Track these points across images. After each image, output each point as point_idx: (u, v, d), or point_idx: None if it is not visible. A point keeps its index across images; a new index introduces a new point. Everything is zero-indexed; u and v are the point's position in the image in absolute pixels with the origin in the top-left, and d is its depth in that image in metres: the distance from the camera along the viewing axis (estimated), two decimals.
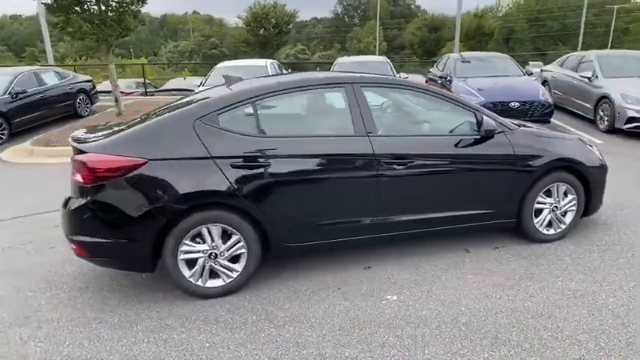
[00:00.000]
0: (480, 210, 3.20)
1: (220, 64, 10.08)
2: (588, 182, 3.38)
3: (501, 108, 7.15)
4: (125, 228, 2.65)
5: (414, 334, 2.42)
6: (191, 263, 2.76)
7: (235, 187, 2.66)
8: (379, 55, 24.51)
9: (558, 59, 10.50)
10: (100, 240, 2.66)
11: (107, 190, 2.60)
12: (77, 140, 2.79)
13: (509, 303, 2.68)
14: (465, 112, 3.20)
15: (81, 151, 2.66)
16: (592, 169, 3.41)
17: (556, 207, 3.36)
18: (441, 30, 43.23)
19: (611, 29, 37.82)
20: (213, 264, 2.78)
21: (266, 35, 25.37)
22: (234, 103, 2.84)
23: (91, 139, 2.77)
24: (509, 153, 3.17)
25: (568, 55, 10.24)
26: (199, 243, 2.73)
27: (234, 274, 2.83)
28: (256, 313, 2.67)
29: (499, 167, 3.18)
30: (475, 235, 3.46)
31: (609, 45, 34.48)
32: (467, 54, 10.25)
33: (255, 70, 8.55)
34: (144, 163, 2.57)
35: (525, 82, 8.39)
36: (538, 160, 3.21)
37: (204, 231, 2.70)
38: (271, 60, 11.32)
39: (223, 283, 2.83)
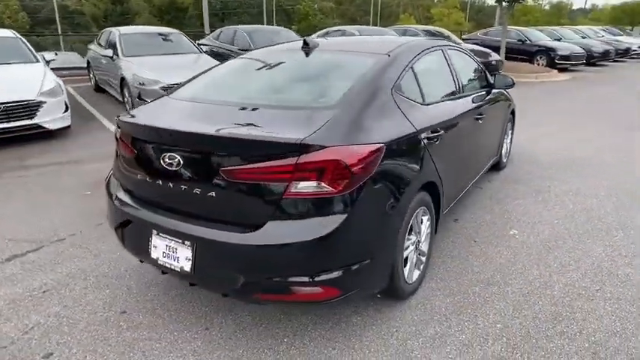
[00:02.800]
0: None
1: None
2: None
3: None
4: (379, 238, 2.06)
5: None
6: (404, 261, 2.43)
7: (434, 162, 2.52)
8: None
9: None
10: (355, 266, 1.95)
11: (364, 194, 1.92)
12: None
13: None
14: (478, 69, 3.95)
15: (303, 147, 1.79)
16: None
17: None
18: (128, 2, 40.10)
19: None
20: (417, 254, 2.56)
21: None
22: (404, 68, 2.55)
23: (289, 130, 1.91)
24: None
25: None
26: (409, 233, 2.44)
27: (423, 259, 2.69)
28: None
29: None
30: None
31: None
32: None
33: None
34: (380, 149, 2.04)
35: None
36: None
37: (415, 220, 2.44)
38: None
39: (419, 273, 2.64)
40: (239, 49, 9.63)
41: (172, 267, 2.08)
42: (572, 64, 15.06)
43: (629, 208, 3.82)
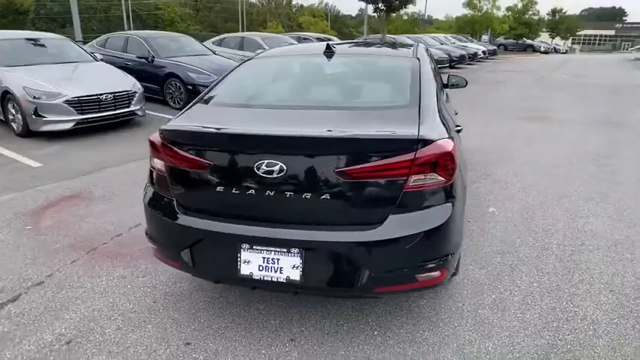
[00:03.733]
0: None
1: None
2: None
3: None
4: (463, 220, 2.33)
5: None
6: None
7: None
8: None
9: None
10: (459, 247, 2.15)
11: (458, 181, 2.11)
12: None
13: None
14: None
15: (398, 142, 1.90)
16: None
17: None
18: None
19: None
20: None
21: None
22: (432, 68, 2.85)
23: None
24: None
25: None
26: None
27: None
28: None
29: None
30: None
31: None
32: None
33: None
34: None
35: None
36: None
37: None
38: None
39: None
40: (139, 57, 8.94)
41: (273, 279, 2.00)
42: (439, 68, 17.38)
43: (558, 181, 4.73)
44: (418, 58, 2.80)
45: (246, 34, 12.81)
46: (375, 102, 2.46)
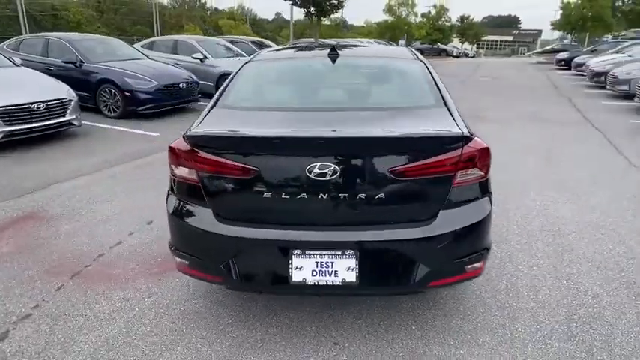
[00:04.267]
0: None
1: None
2: None
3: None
4: None
5: None
6: None
7: None
8: None
9: None
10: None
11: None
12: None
13: None
14: None
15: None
16: None
17: None
18: None
19: None
20: None
21: None
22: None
23: None
24: None
25: None
26: None
27: None
28: None
29: None
30: None
31: None
32: None
33: None
34: None
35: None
36: None
37: None
38: None
39: None
40: (65, 62, 8.21)
41: (329, 282, 1.99)
42: None
43: (517, 174, 5.18)
44: (422, 60, 2.94)
45: (179, 37, 12.29)
46: (403, 102, 2.54)
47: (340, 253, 1.98)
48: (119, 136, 6.91)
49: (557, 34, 49.68)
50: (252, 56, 3.17)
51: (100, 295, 2.70)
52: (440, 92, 2.49)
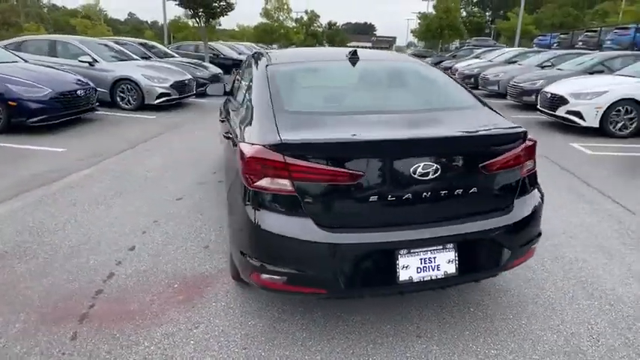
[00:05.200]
0: None
1: None
2: None
3: None
4: None
5: None
6: None
7: None
8: None
9: None
10: None
11: None
12: None
13: None
14: None
15: None
16: None
17: None
18: None
19: None
20: None
21: None
22: None
23: None
24: None
25: None
26: None
27: None
28: None
29: None
30: None
31: None
32: None
33: None
34: None
35: None
36: None
37: None
38: None
39: None
40: None
41: (432, 277, 2.08)
42: None
43: None
44: (427, 62, 3.19)
45: (57, 37, 10.72)
46: (450, 103, 2.68)
47: (441, 247, 2.09)
48: (13, 155, 5.85)
49: (406, 40, 55.65)
50: (264, 60, 3.04)
51: (136, 336, 2.36)
52: (471, 93, 2.75)
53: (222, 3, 14.78)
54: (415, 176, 2.00)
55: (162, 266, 3.07)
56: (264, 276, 2.07)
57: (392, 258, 2.03)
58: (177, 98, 9.85)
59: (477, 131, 2.20)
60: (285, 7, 36.19)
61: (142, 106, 9.36)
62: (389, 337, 2.36)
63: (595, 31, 19.68)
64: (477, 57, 18.40)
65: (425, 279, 2.07)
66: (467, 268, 2.16)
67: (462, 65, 16.57)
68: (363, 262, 2.05)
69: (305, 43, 41.91)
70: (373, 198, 2.01)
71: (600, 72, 9.49)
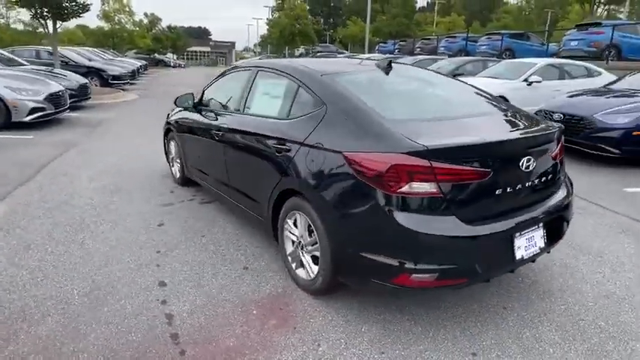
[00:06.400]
0: None
1: None
2: None
3: None
4: None
5: None
6: None
7: None
8: None
9: None
10: None
11: None
12: None
13: None
14: None
15: None
16: None
17: None
18: None
19: None
20: None
21: None
22: None
23: None
24: None
25: None
26: None
27: None
28: None
29: None
30: None
31: None
32: None
33: None
34: None
35: None
36: None
37: None
38: None
39: None
40: None
41: (533, 253, 2.46)
42: (123, 83, 16.53)
43: None
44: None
45: None
46: (495, 107, 3.06)
47: (536, 226, 2.49)
48: None
49: (243, 45, 56.24)
50: (307, 69, 3.03)
51: None
52: (495, 96, 3.24)
53: (72, 3, 12.98)
54: (522, 169, 2.36)
55: (217, 295, 2.83)
56: (415, 276, 2.18)
57: (511, 241, 2.35)
58: (53, 113, 8.48)
59: (549, 128, 2.67)
60: (127, 9, 33.14)
61: (8, 125, 7.82)
62: (476, 313, 2.68)
63: (430, 39, 23.09)
64: None
65: (529, 255, 2.45)
66: (549, 241, 2.60)
67: None
68: (494, 248, 2.32)
69: (151, 47, 39.14)
70: (498, 191, 2.30)
71: (461, 75, 11.29)
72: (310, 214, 2.61)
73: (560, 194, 2.72)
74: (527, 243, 2.44)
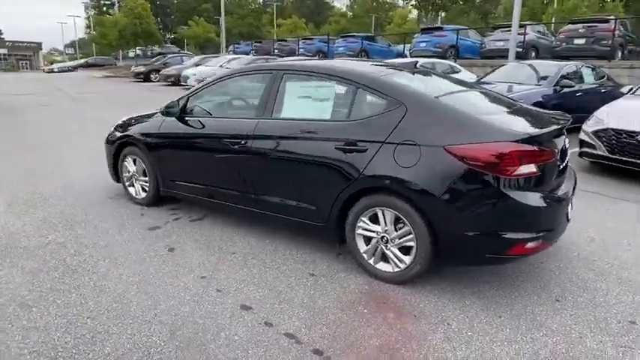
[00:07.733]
0: None
1: None
2: None
3: None
4: None
5: None
6: None
7: None
8: None
9: None
10: None
11: None
12: None
13: None
14: None
15: None
16: None
17: None
18: None
19: None
20: None
21: None
22: None
23: None
24: None
25: None
26: None
27: None
28: None
29: None
30: None
31: None
32: None
33: None
34: None
35: None
36: None
37: None
38: None
39: None
40: None
41: (570, 216, 3.07)
42: None
43: None
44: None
45: None
46: (513, 102, 3.60)
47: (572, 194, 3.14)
48: None
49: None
50: (367, 72, 3.17)
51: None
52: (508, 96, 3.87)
53: None
54: (563, 149, 3.00)
55: (313, 305, 2.78)
56: (530, 244, 2.60)
57: (569, 204, 2.96)
58: None
59: (565, 117, 3.30)
60: None
61: None
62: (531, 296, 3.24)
63: (287, 41, 23.89)
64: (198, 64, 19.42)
65: (569, 217, 3.07)
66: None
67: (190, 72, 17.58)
68: (564, 210, 2.88)
69: None
70: (559, 166, 2.90)
71: None
72: (401, 208, 2.79)
73: (569, 170, 3.42)
74: (570, 208, 3.07)
